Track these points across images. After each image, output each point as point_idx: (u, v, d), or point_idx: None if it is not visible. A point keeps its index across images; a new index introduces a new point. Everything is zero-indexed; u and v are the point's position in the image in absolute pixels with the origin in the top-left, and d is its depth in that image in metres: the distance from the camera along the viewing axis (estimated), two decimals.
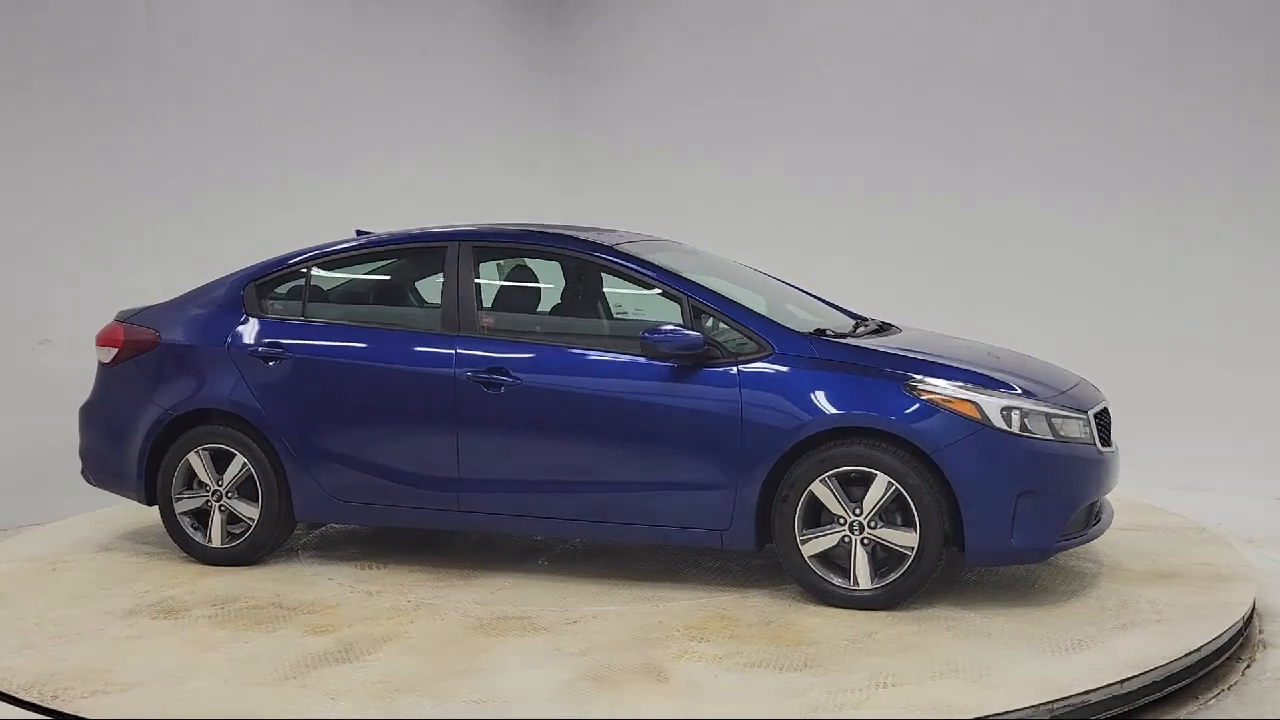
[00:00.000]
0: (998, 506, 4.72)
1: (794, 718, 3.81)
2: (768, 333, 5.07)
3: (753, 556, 5.48)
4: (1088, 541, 5.02)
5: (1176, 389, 7.71)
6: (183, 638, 4.66)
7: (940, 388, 4.82)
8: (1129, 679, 4.08)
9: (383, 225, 6.44)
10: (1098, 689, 3.99)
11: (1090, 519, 5.04)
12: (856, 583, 4.85)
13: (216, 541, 5.67)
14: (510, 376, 5.23)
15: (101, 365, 5.97)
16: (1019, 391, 4.89)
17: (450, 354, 5.35)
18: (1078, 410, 4.96)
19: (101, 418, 5.95)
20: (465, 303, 5.46)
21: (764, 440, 4.92)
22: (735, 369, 5.00)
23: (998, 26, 8.26)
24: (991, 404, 4.78)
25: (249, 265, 5.91)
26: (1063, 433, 4.86)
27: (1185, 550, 5.69)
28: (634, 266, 5.37)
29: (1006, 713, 3.80)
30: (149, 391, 5.77)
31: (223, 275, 5.97)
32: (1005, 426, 4.75)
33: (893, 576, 4.82)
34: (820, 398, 4.89)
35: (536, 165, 9.86)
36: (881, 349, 5.10)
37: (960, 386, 4.83)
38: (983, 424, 4.75)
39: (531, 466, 5.27)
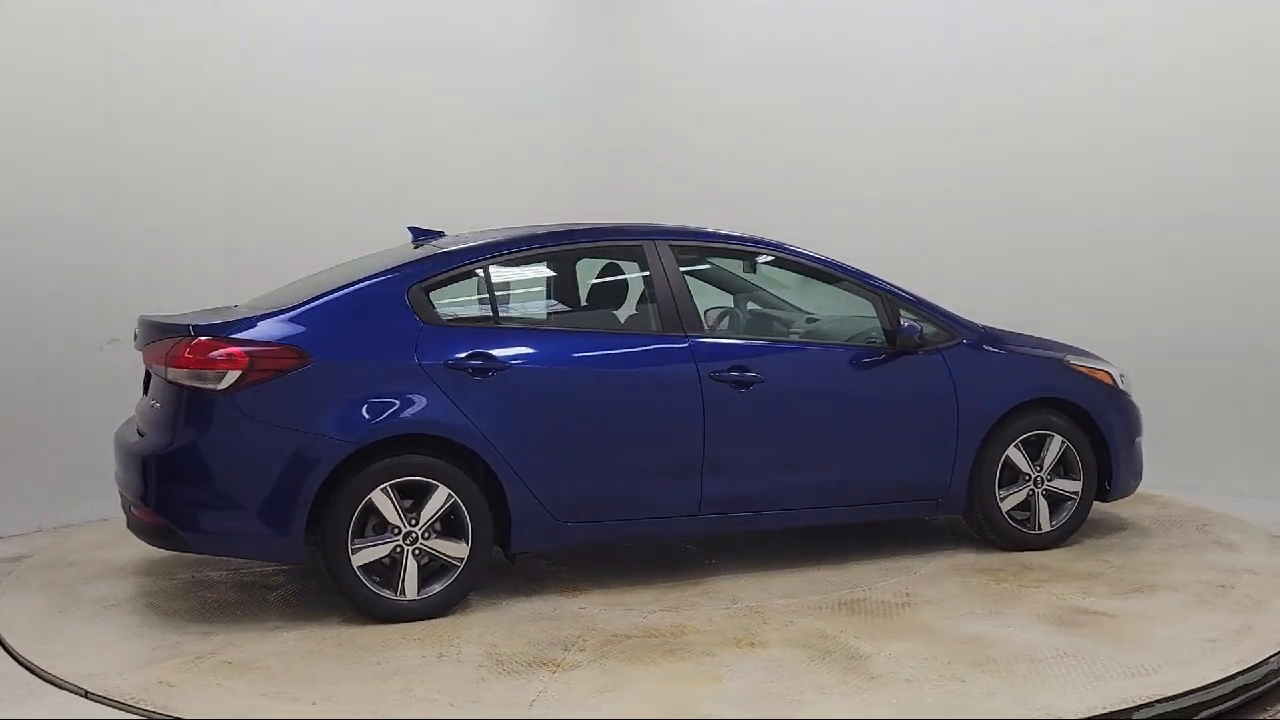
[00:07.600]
0: (1128, 452, 5.94)
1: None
2: (953, 322, 5.74)
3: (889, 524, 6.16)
4: None
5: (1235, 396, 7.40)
6: (661, 673, 4.15)
7: (1086, 363, 5.93)
8: None
9: (433, 223, 5.73)
10: None
11: None
12: (1040, 528, 5.76)
13: (411, 593, 4.77)
14: (754, 373, 5.24)
15: (207, 394, 4.60)
16: (1112, 362, 6.18)
17: (689, 354, 5.17)
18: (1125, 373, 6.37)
19: (219, 462, 4.60)
20: (683, 301, 5.28)
21: (976, 414, 5.59)
22: (940, 355, 5.61)
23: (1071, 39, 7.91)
24: (1116, 372, 6.00)
25: (394, 263, 5.00)
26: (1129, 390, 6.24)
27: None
28: (845, 270, 5.67)
29: None
30: (305, 422, 4.63)
31: (330, 274, 5.04)
32: (1124, 388, 6.01)
33: (1062, 518, 5.81)
34: (1015, 376, 5.72)
35: (577, 162, 9.38)
36: (1023, 334, 6.02)
37: (1096, 361, 5.99)
38: (1115, 388, 5.95)
39: (775, 461, 5.31)
